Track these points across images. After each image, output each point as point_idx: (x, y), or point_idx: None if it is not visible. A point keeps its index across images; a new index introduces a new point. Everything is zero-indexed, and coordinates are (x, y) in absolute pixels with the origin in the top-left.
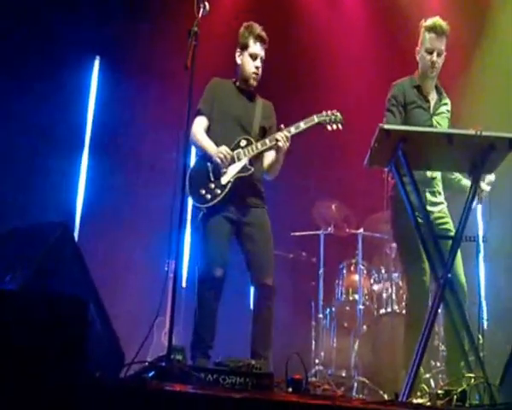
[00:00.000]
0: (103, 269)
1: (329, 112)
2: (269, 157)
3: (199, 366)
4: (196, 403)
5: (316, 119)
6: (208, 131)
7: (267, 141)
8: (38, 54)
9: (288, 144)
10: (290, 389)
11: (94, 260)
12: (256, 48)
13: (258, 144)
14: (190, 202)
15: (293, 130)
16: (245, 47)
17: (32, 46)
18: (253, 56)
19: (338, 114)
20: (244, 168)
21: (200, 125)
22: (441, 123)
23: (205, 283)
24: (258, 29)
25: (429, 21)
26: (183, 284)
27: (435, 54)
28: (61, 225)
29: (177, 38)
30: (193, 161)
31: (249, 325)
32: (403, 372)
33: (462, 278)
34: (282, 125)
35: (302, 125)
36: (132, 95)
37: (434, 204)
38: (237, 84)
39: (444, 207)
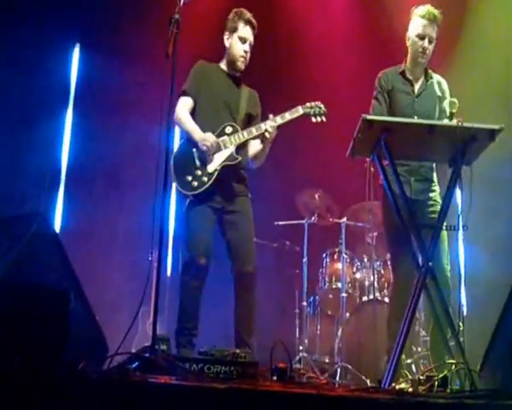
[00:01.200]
0: (85, 259)
1: (313, 103)
2: (254, 146)
3: (183, 355)
4: (181, 395)
5: (301, 110)
6: (195, 113)
7: (253, 130)
8: (17, 41)
9: (274, 134)
10: (275, 378)
11: (75, 249)
12: (245, 31)
13: (245, 133)
14: (174, 189)
15: (279, 120)
16: (234, 30)
17: (10, 32)
18: (242, 40)
19: (322, 106)
20: (231, 157)
21: (184, 106)
22: (426, 105)
23: (189, 271)
24: (247, 14)
25: (422, 8)
26: (168, 273)
27: (426, 40)
28: (40, 215)
29: (159, 24)
30: (176, 144)
31: (230, 312)
32: (385, 358)
33: (446, 268)
34: (271, 115)
35: (287, 115)
36: (113, 81)
37: (421, 192)
38: (223, 68)
39: (434, 193)
